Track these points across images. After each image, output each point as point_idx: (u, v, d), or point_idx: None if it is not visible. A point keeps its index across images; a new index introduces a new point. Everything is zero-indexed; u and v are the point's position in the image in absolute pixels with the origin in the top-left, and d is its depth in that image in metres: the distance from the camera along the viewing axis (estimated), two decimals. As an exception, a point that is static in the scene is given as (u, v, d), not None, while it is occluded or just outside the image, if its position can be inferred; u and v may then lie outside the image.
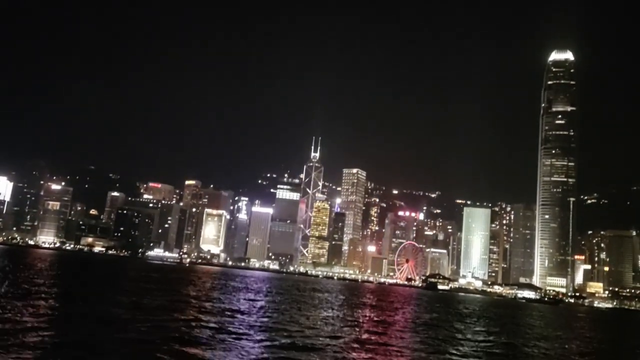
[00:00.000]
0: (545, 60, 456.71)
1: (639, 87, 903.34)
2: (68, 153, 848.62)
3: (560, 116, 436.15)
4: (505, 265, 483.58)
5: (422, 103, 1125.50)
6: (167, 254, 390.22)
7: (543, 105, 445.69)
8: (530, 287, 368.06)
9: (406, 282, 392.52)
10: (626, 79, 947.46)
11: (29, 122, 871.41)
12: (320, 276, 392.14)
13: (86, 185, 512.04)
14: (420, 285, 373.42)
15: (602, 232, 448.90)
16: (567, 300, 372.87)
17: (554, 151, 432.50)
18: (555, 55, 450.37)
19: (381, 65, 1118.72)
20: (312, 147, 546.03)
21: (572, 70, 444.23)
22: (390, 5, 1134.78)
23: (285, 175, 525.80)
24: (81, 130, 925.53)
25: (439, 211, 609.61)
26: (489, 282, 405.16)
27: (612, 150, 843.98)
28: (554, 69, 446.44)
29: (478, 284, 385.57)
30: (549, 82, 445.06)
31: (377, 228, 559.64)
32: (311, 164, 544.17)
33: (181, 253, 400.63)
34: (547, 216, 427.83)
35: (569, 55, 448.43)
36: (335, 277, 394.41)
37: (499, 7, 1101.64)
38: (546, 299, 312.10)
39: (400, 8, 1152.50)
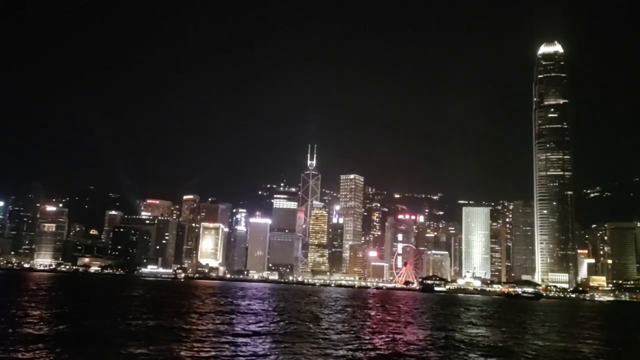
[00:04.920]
0: (534, 54, 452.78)
1: (632, 76, 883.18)
2: (68, 174, 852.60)
3: (552, 109, 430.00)
4: (509, 264, 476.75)
5: (416, 104, 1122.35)
6: (160, 270, 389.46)
7: (535, 99, 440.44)
8: (530, 284, 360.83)
9: (404, 286, 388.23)
10: (618, 69, 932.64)
11: (27, 147, 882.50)
12: (318, 284, 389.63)
13: (85, 206, 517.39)
14: (417, 288, 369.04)
15: (605, 225, 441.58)
16: (568, 296, 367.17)
17: (548, 145, 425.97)
18: (544, 49, 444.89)
19: (372, 69, 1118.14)
20: (309, 155, 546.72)
21: (562, 63, 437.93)
22: (380, 10, 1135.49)
23: (282, 184, 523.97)
24: (80, 151, 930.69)
25: (441, 213, 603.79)
26: (489, 282, 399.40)
27: (611, 141, 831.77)
28: (543, 63, 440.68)
29: (477, 284, 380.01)
30: (540, 76, 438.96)
31: (379, 233, 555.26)
32: (308, 172, 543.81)
33: (176, 268, 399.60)
34: (545, 211, 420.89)
35: (558, 48, 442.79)
36: (333, 284, 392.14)
37: (486, 5, 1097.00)
38: (525, 294, 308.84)
39: (390, 11, 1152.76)
